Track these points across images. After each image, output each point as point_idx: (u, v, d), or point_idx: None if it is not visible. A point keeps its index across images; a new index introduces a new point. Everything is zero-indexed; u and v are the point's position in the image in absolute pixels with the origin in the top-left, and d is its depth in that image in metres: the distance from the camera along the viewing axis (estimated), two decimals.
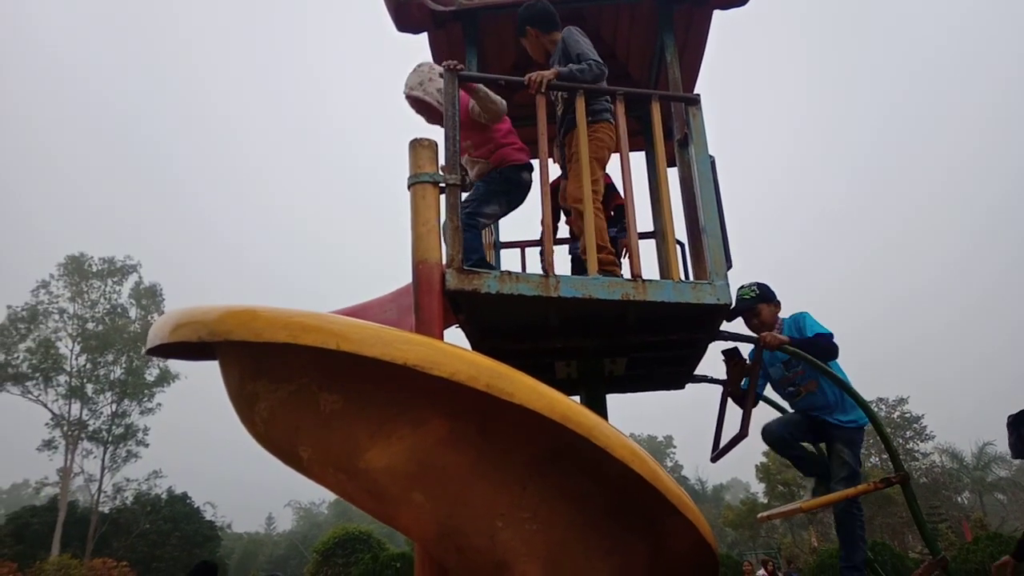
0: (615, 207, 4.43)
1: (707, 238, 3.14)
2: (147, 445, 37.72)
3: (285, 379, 1.90)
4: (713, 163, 3.34)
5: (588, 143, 3.17)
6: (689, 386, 4.36)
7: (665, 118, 3.35)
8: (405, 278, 3.53)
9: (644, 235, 4.31)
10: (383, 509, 1.96)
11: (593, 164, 3.26)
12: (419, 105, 3.53)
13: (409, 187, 2.87)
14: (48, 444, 35.83)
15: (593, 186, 3.24)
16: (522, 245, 4.82)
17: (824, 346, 3.58)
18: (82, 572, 23.98)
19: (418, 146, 2.88)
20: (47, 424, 36.00)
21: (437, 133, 3.32)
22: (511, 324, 3.32)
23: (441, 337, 2.61)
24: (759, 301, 3.83)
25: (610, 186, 4.44)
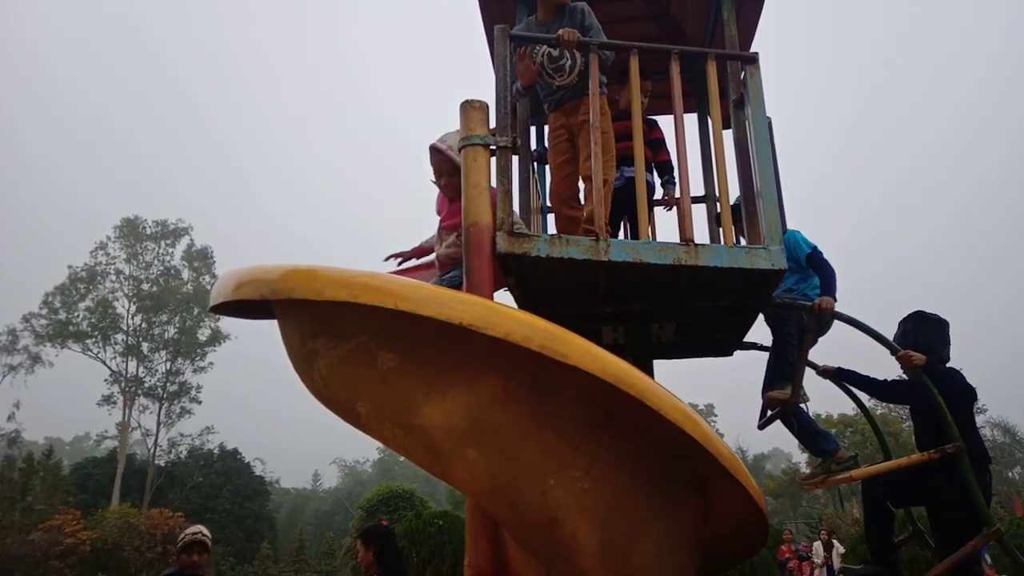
0: (659, 162, 4.36)
1: (762, 202, 3.08)
2: (200, 402, 39.19)
3: (344, 337, 1.94)
4: (770, 124, 3.26)
5: (603, 114, 3.24)
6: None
7: (719, 78, 3.27)
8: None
9: (696, 199, 4.24)
10: (438, 464, 2.00)
11: (608, 138, 3.31)
12: (441, 159, 3.27)
13: (460, 150, 2.87)
14: (107, 399, 37.50)
15: (611, 162, 3.34)
16: None
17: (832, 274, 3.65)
18: (141, 521, 25.16)
19: (469, 108, 2.87)
20: (106, 380, 37.64)
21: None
22: (560, 288, 3.33)
23: (491, 299, 2.63)
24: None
25: (658, 141, 4.35)
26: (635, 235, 3.99)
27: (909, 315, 3.79)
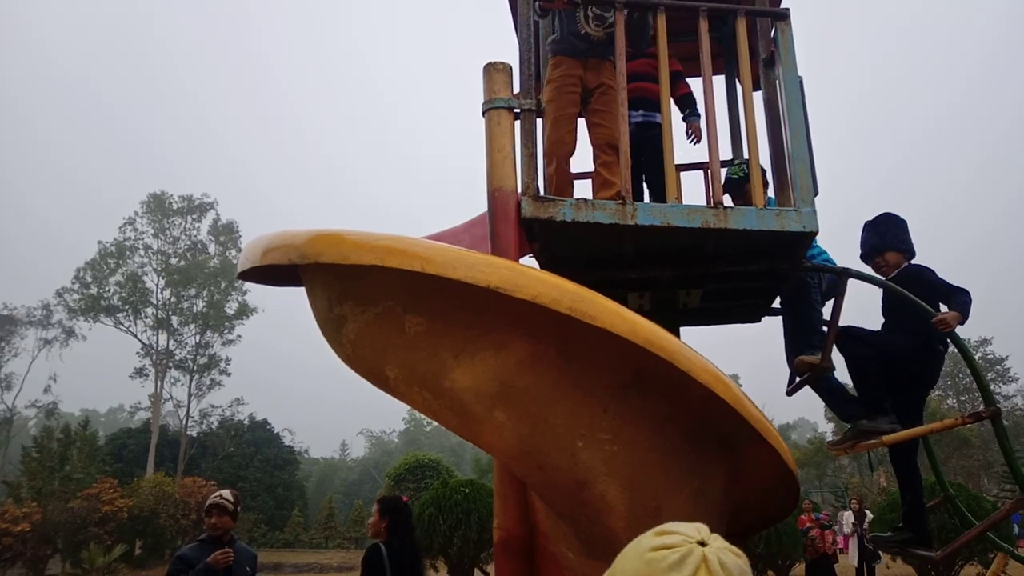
0: (680, 96, 4.23)
1: (793, 163, 3.01)
2: (229, 374, 39.90)
3: (371, 301, 1.94)
4: (801, 84, 3.17)
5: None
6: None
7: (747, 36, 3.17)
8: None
9: (725, 162, 4.15)
10: (467, 426, 2.01)
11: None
12: None
13: (484, 113, 2.83)
14: (139, 372, 38.32)
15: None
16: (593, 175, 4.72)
17: None
18: (175, 489, 25.83)
19: (493, 70, 2.83)
20: (138, 353, 38.42)
21: None
22: (585, 254, 3.29)
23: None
24: (747, 181, 3.61)
25: (676, 73, 4.19)
26: (655, 191, 3.93)
27: (879, 219, 3.72)
